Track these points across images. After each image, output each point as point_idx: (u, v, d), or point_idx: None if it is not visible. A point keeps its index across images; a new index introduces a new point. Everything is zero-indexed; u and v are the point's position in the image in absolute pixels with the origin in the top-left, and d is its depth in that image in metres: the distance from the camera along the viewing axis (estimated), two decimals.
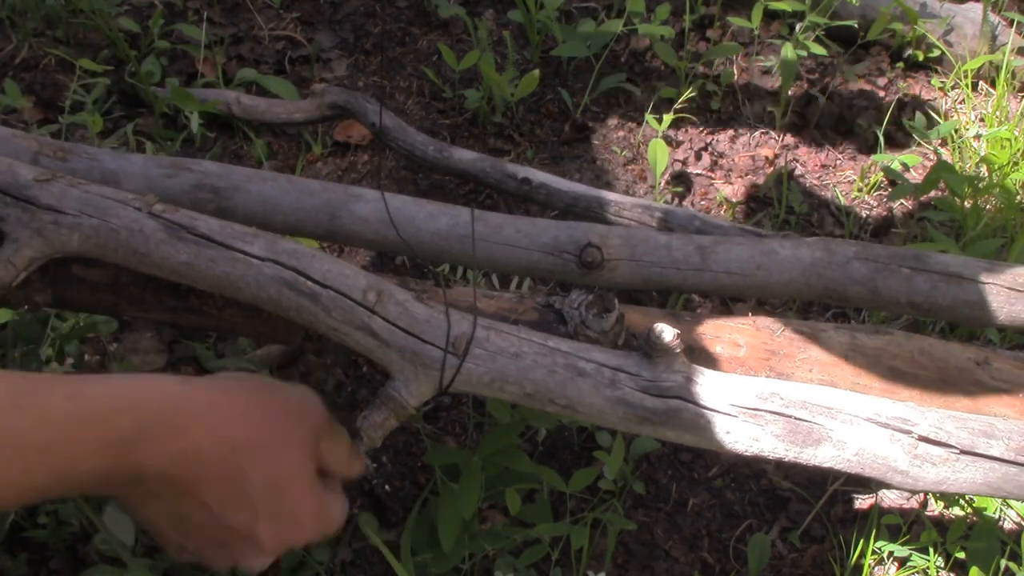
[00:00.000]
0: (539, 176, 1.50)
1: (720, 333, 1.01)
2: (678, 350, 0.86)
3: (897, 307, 1.05)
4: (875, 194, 1.87)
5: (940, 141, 1.93)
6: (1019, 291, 1.03)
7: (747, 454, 0.88)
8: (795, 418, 0.86)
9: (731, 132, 1.94)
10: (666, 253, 1.01)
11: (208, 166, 1.01)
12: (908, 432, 0.87)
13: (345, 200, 0.99)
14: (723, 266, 1.02)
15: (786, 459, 0.87)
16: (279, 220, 0.99)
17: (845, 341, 1.03)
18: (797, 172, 1.91)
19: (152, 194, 0.85)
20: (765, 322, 1.04)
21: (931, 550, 1.38)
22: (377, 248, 1.00)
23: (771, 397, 0.87)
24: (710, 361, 0.99)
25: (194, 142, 1.79)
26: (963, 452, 0.87)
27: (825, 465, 0.87)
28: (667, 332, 0.85)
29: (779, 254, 1.03)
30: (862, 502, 1.49)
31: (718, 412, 0.86)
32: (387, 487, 1.48)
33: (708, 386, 0.87)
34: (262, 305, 0.85)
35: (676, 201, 1.83)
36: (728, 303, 1.68)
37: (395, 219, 0.95)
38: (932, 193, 1.80)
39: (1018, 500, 0.89)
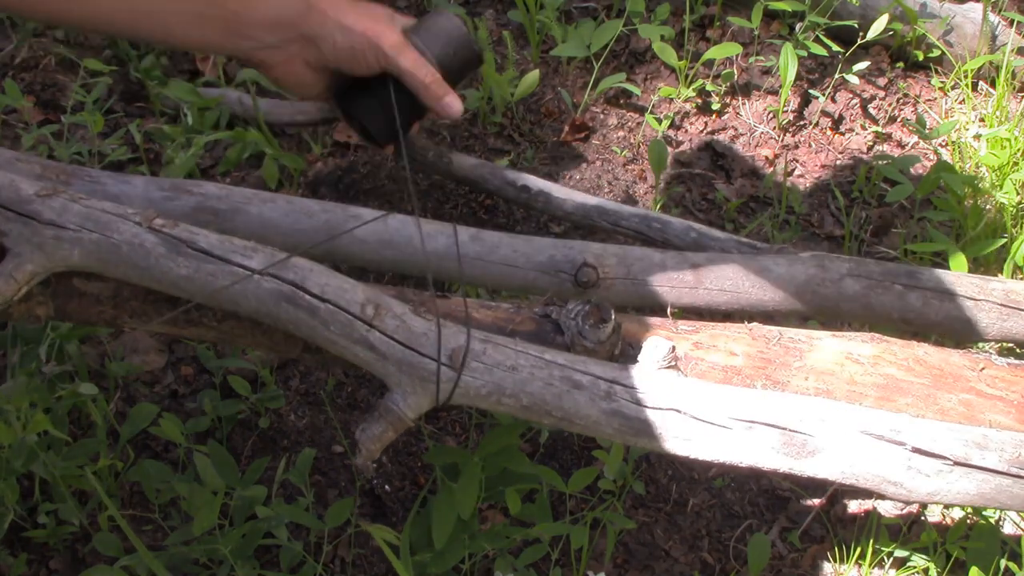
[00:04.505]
0: (538, 184, 1.50)
1: (716, 342, 1.02)
2: (673, 363, 0.87)
3: (890, 323, 1.06)
4: (875, 194, 1.87)
5: (940, 141, 1.94)
6: (1012, 307, 1.03)
7: (742, 465, 0.88)
8: (790, 430, 0.87)
9: (731, 132, 1.95)
10: (661, 272, 1.02)
11: (209, 188, 1.02)
12: (902, 444, 0.88)
13: (344, 220, 1.00)
14: (717, 284, 1.03)
15: (780, 471, 0.88)
16: (279, 241, 1.00)
17: (841, 349, 1.03)
18: (797, 172, 1.92)
19: (152, 209, 0.86)
20: (761, 330, 1.05)
21: (931, 550, 1.39)
22: (375, 268, 1.01)
23: (766, 409, 0.88)
24: (707, 370, 1.00)
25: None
26: (956, 463, 0.88)
27: (819, 477, 0.88)
28: (662, 345, 0.86)
29: (773, 272, 1.04)
30: (862, 502, 1.50)
31: (713, 424, 0.87)
32: (387, 487, 1.49)
33: (703, 398, 0.87)
34: (261, 319, 0.86)
35: (678, 199, 1.83)
36: None
37: (392, 239, 0.96)
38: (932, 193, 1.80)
39: (1011, 511, 0.90)
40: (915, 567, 1.40)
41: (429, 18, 1.13)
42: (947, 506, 1.46)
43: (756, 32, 1.99)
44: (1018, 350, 1.36)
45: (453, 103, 1.09)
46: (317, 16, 1.02)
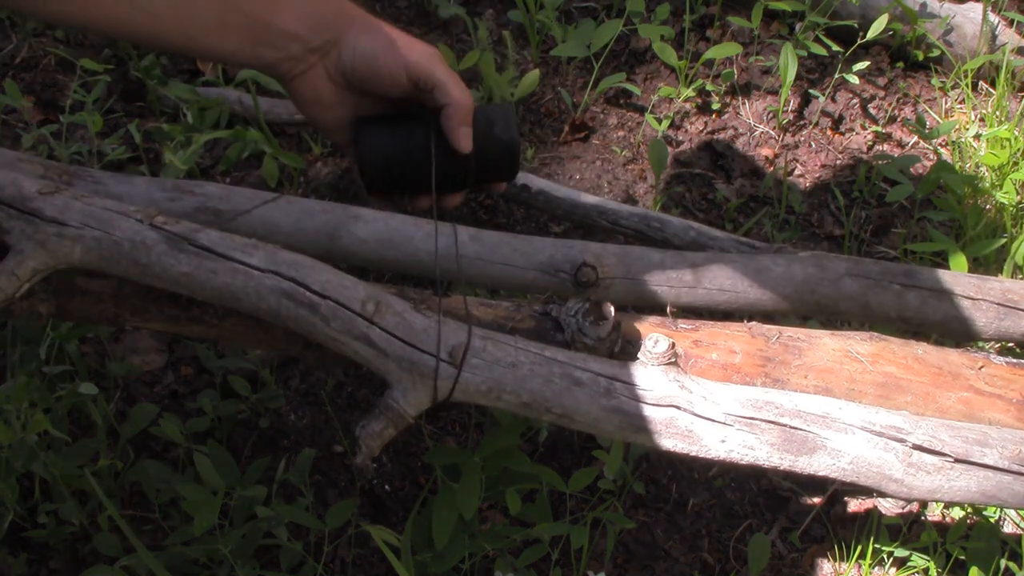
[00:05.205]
0: (538, 183, 1.50)
1: (716, 340, 1.02)
2: (673, 360, 0.87)
3: (888, 322, 1.06)
4: (875, 194, 1.88)
5: (940, 141, 1.94)
6: (1009, 307, 1.04)
7: (742, 463, 0.88)
8: (790, 427, 0.87)
9: (731, 132, 1.95)
10: (660, 271, 1.02)
11: (210, 189, 1.03)
12: (902, 441, 0.88)
13: (344, 221, 1.00)
14: (716, 284, 1.03)
15: (781, 468, 0.88)
16: (280, 241, 1.00)
17: (840, 347, 1.03)
18: (797, 172, 1.92)
19: (153, 206, 0.86)
20: (761, 329, 1.05)
21: (931, 550, 1.39)
22: (376, 267, 1.01)
23: (766, 406, 0.88)
24: (706, 368, 1.00)
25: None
26: (957, 460, 0.88)
27: (820, 474, 0.88)
28: (662, 342, 0.86)
29: (772, 271, 1.04)
30: (862, 502, 1.50)
31: (713, 421, 0.87)
32: (387, 487, 1.49)
33: (703, 395, 0.87)
34: (262, 316, 0.86)
35: (678, 199, 1.83)
36: None
37: (393, 239, 0.96)
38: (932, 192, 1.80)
39: (1012, 508, 0.90)
40: (915, 567, 1.40)
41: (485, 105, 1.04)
42: (947, 505, 1.46)
43: (756, 32, 1.99)
44: (1016, 349, 1.36)
45: (467, 136, 0.99)
46: (345, 23, 0.97)
